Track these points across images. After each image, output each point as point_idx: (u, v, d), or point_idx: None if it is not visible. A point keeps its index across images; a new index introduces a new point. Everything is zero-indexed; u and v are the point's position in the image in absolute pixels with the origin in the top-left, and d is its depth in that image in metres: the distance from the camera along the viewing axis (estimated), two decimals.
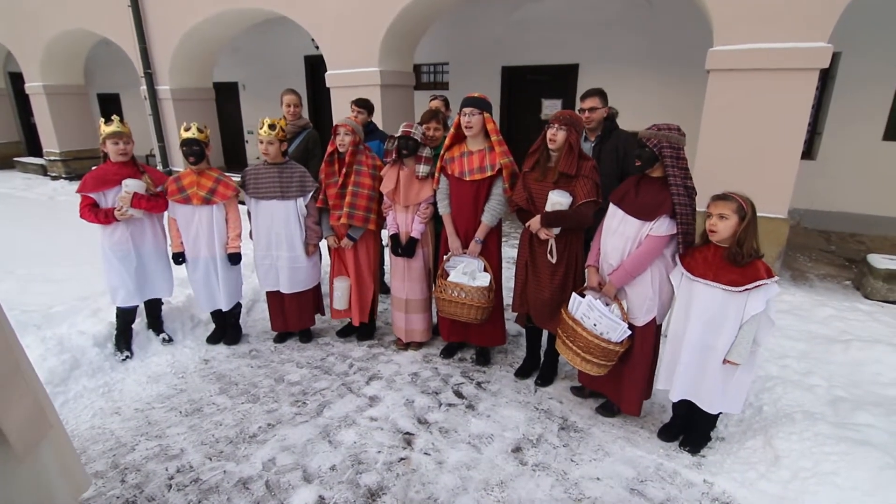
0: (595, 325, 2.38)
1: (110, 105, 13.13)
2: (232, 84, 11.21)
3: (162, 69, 8.25)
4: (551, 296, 2.76)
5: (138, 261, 3.12)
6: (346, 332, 3.61)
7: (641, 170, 2.36)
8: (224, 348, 3.40)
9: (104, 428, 2.53)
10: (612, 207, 2.49)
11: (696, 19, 5.47)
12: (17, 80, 11.58)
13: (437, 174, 3.05)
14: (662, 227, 2.29)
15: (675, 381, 2.31)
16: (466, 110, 2.82)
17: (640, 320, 2.43)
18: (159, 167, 8.73)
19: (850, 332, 3.66)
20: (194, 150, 3.02)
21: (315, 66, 9.76)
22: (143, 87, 8.47)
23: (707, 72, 4.39)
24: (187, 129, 3.02)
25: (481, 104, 2.83)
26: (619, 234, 2.41)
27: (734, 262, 2.09)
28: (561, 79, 7.50)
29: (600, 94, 3.22)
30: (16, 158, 12.41)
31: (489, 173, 2.85)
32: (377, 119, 5.74)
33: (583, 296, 2.51)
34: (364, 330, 3.57)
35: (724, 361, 2.18)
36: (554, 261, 2.69)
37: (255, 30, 9.56)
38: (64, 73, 10.25)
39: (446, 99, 4.01)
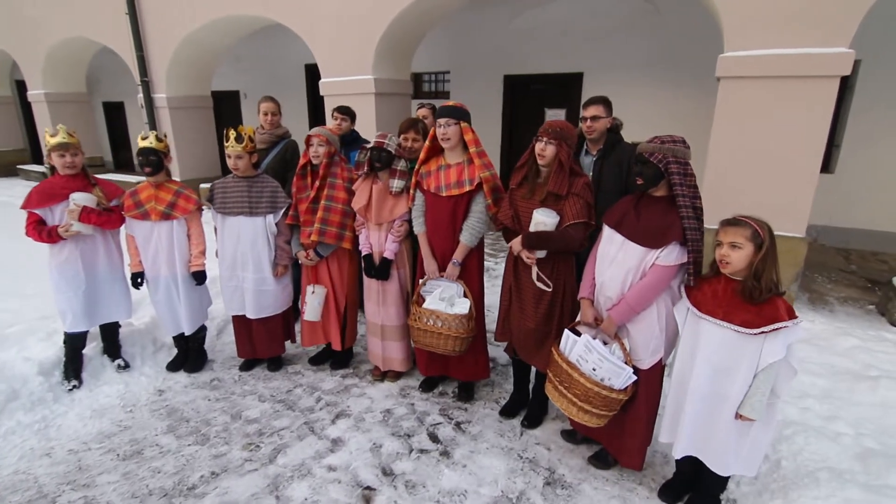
0: (594, 369, 2.05)
1: (115, 113, 13.11)
2: (233, 93, 11.11)
3: (159, 77, 8.13)
4: (536, 326, 2.44)
5: (89, 282, 2.86)
6: (319, 359, 3.32)
7: (643, 188, 2.05)
8: (184, 377, 3.12)
9: (29, 473, 2.25)
10: (607, 231, 2.18)
11: (706, 24, 5.17)
12: (23, 87, 11.59)
13: (412, 190, 2.76)
14: (672, 255, 1.97)
15: (679, 434, 1.97)
16: (441, 121, 2.54)
17: (646, 362, 2.11)
18: None
19: (877, 366, 3.28)
20: (151, 161, 2.77)
21: (316, 75, 9.52)
22: (140, 96, 8.36)
23: (717, 80, 4.07)
24: (144, 138, 2.77)
25: (458, 113, 2.55)
26: (619, 263, 2.09)
27: (749, 298, 1.76)
28: (565, 88, 7.21)
29: (604, 102, 2.92)
30: (19, 166, 12.39)
31: (468, 188, 2.56)
32: (370, 129, 5.49)
33: (577, 333, 2.19)
34: (339, 357, 3.27)
35: (737, 416, 1.84)
36: (550, 288, 2.37)
37: (256, 38, 9.44)
38: (65, 81, 10.20)
39: (434, 107, 3.73)
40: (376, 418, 2.70)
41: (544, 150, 2.27)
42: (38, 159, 12.51)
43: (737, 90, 3.97)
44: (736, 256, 1.77)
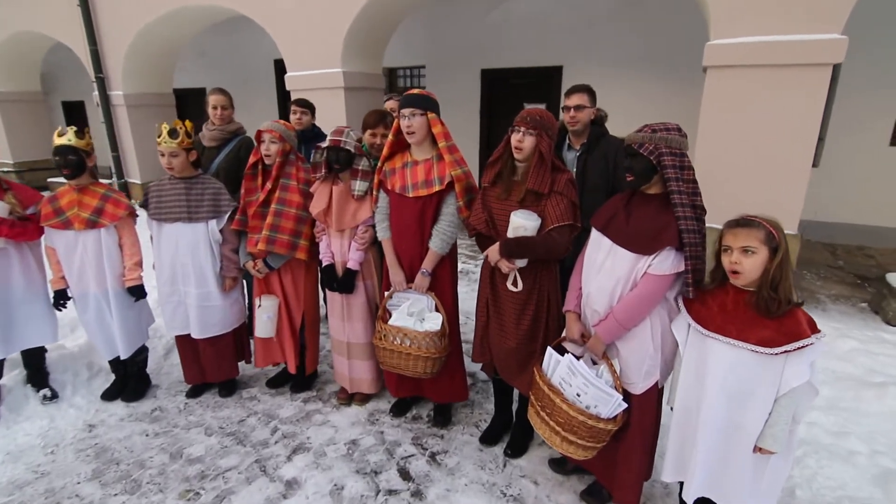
0: (579, 394, 1.76)
1: (76, 113, 12.43)
2: (199, 90, 10.58)
3: (115, 73, 7.62)
4: (518, 346, 2.15)
5: (1, 304, 2.46)
6: (279, 381, 2.96)
7: (634, 185, 1.77)
8: (121, 407, 2.74)
9: None
10: (594, 235, 1.89)
11: (692, 11, 4.95)
12: None
13: (374, 190, 2.44)
14: (666, 262, 1.70)
15: (692, 473, 1.68)
16: (405, 111, 2.23)
17: (639, 386, 1.82)
18: (113, 180, 8.07)
19: (881, 371, 3.08)
20: (69, 161, 2.38)
21: (285, 71, 9.17)
22: (96, 94, 7.83)
23: (704, 70, 3.84)
24: (61, 135, 2.38)
25: (424, 102, 2.23)
26: (607, 271, 1.80)
27: (766, 312, 1.49)
28: (545, 81, 6.96)
29: (588, 90, 2.66)
30: None
31: (436, 188, 2.25)
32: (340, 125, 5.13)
33: (561, 352, 1.90)
34: (300, 378, 2.93)
35: (756, 449, 1.57)
36: (518, 289, 2.08)
37: (222, 32, 8.97)
38: (17, 80, 9.57)
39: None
40: (339, 452, 2.37)
41: (522, 141, 1.97)
42: None
43: (724, 80, 3.74)
44: (749, 264, 1.50)
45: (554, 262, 2.16)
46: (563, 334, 1.99)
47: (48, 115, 10.84)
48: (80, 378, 2.90)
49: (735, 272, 1.52)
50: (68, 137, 2.37)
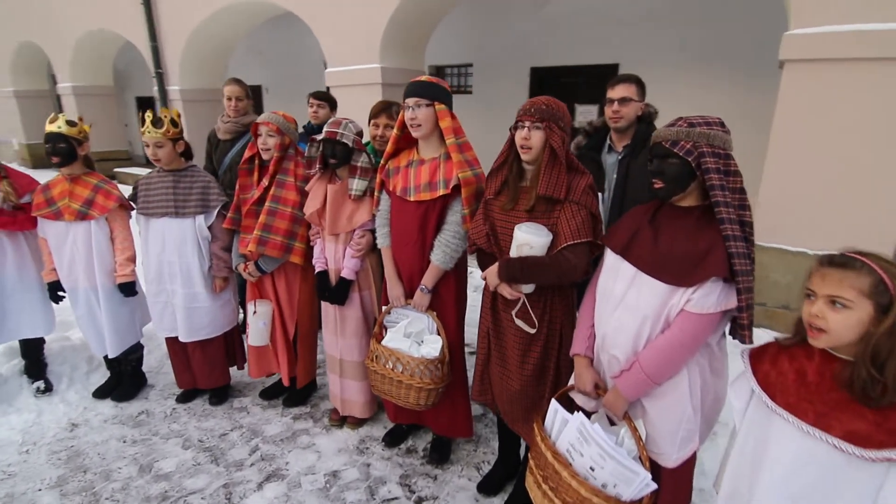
0: (593, 468, 1.37)
1: (146, 107, 13.14)
2: (255, 87, 10.87)
3: (172, 69, 7.90)
4: (522, 388, 1.79)
5: None
6: (273, 393, 2.75)
7: (665, 195, 1.37)
8: (109, 406, 2.63)
9: None
10: (610, 259, 1.50)
11: (768, 3, 4.33)
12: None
13: (376, 191, 2.15)
14: (711, 297, 1.29)
15: None
16: (410, 101, 1.92)
17: (672, 458, 1.41)
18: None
19: None
20: (59, 149, 2.27)
21: None
22: (156, 88, 8.15)
23: (780, 65, 3.27)
24: (52, 121, 2.28)
25: (431, 91, 1.91)
26: (630, 306, 1.41)
27: (863, 396, 1.01)
28: (598, 81, 6.42)
29: (636, 81, 2.25)
30: None
31: (440, 192, 1.93)
32: None
33: (569, 405, 1.53)
34: (295, 391, 2.71)
35: None
36: (532, 329, 1.72)
37: (277, 30, 9.13)
38: (92, 75, 10.20)
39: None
40: (316, 484, 2.10)
41: (529, 138, 1.62)
42: None
43: (805, 76, 3.15)
44: (838, 321, 1.02)
45: (571, 287, 1.79)
46: (572, 381, 1.61)
47: (120, 109, 11.54)
48: (78, 372, 2.83)
49: (815, 328, 1.07)
50: (58, 125, 2.27)
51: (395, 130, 2.05)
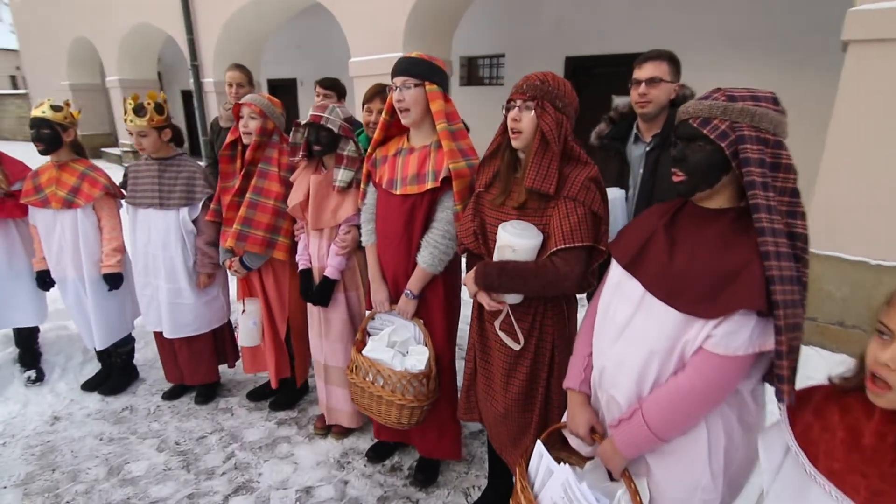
0: None
1: (192, 101, 13.59)
2: (291, 80, 10.96)
3: (207, 61, 8.00)
4: (507, 411, 1.54)
5: None
6: (260, 394, 2.61)
7: (686, 191, 1.08)
8: (96, 400, 2.56)
9: None
10: (615, 272, 1.22)
11: None
12: None
13: (362, 183, 1.95)
14: (739, 335, 0.98)
15: None
16: (397, 80, 1.70)
17: None
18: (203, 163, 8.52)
19: None
20: (42, 135, 2.19)
21: None
22: (191, 81, 8.30)
23: (843, 46, 2.83)
24: (38, 106, 2.20)
25: (420, 69, 1.69)
26: (635, 336, 1.11)
27: None
28: None
29: (668, 58, 1.88)
30: (103, 148, 13.18)
31: (429, 185, 1.69)
32: None
33: (564, 443, 1.27)
34: (285, 394, 2.56)
35: None
36: (517, 346, 1.47)
37: (312, 23, 9.10)
38: (138, 68, 10.53)
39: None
40: (286, 501, 1.93)
41: (519, 119, 1.37)
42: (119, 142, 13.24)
43: (873, 59, 2.70)
44: None
45: (571, 300, 1.52)
46: (565, 418, 1.34)
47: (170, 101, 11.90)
48: (72, 362, 2.80)
49: (880, 382, 0.77)
50: (43, 109, 2.19)
51: (383, 115, 1.84)
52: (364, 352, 1.85)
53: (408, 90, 1.68)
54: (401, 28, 5.04)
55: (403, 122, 1.74)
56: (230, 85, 2.99)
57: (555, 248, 1.32)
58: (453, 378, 1.95)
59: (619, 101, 5.92)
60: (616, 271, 1.21)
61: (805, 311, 0.99)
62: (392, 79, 1.74)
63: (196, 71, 8.15)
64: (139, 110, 2.11)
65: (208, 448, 2.23)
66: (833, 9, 3.10)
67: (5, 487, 1.96)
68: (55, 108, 2.20)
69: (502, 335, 1.49)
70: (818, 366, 2.81)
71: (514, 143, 1.42)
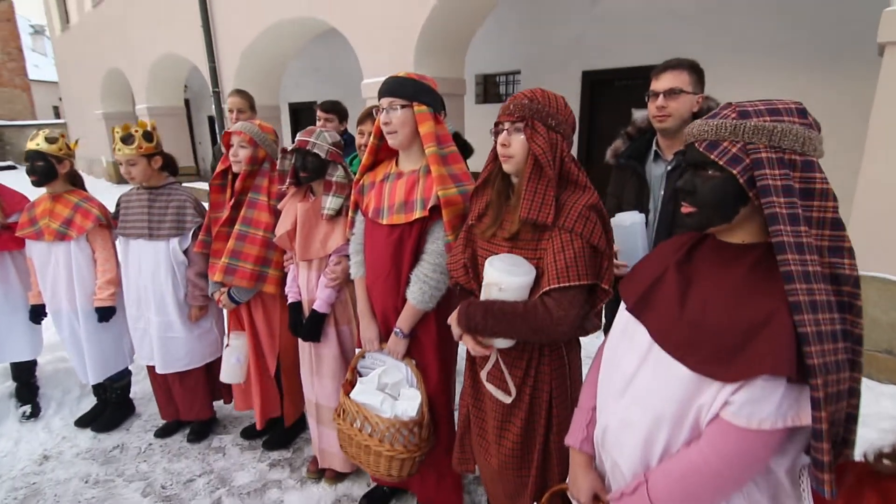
0: None
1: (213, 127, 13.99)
2: (309, 104, 11.13)
3: (228, 87, 8.17)
4: (501, 467, 1.36)
5: None
6: (254, 432, 2.48)
7: (698, 225, 0.90)
8: (88, 438, 2.48)
9: None
10: (623, 317, 1.04)
11: None
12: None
13: (350, 211, 1.82)
14: (764, 404, 0.78)
15: None
16: (384, 101, 1.58)
17: None
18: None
19: None
20: (36, 167, 2.16)
21: None
22: (213, 107, 8.49)
23: (880, 49, 2.60)
24: (32, 139, 2.18)
25: (409, 88, 1.56)
26: (641, 393, 0.93)
27: None
28: None
29: (689, 67, 1.70)
30: None
31: (417, 214, 1.55)
32: None
33: None
34: (278, 433, 2.42)
35: None
36: (508, 399, 1.30)
37: (329, 47, 9.24)
38: (165, 96, 10.90)
39: None
40: None
41: (508, 143, 1.22)
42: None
43: None
44: None
45: (574, 344, 1.34)
46: (567, 481, 1.15)
47: (189, 128, 12.27)
48: (69, 396, 2.74)
49: None
50: (37, 142, 2.16)
51: (371, 138, 1.72)
52: (352, 394, 1.71)
53: (394, 112, 1.56)
54: (411, 48, 5.00)
55: (391, 144, 1.62)
56: (231, 111, 2.95)
57: (547, 288, 1.15)
58: (451, 422, 1.78)
59: (638, 114, 5.63)
60: (623, 316, 1.03)
61: (861, 371, 0.79)
62: (379, 100, 1.62)
63: (217, 97, 8.33)
64: (127, 139, 2.06)
65: (194, 493, 2.10)
66: (869, 5, 2.87)
67: None
68: (49, 140, 2.17)
69: (490, 387, 1.33)
70: (864, 400, 2.51)
71: (505, 168, 1.27)
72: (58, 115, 18.88)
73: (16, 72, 19.16)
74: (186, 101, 12.52)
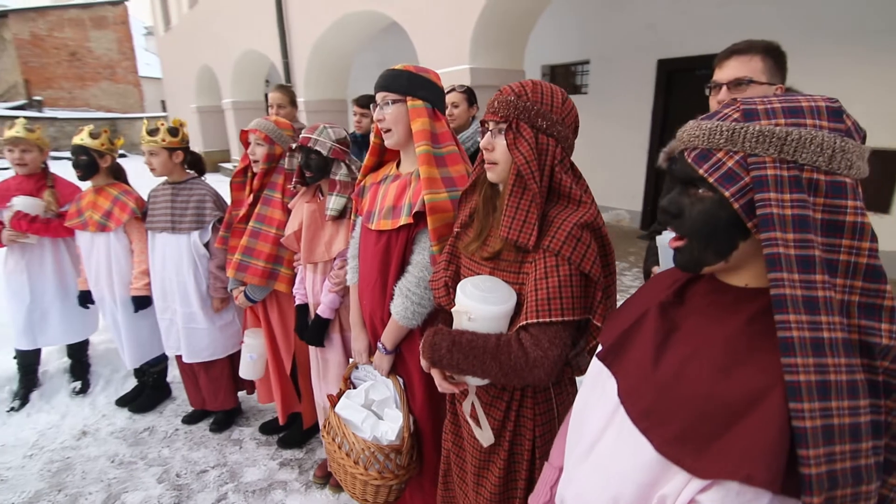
0: None
1: None
2: (372, 98, 11.28)
3: (299, 81, 8.48)
4: None
5: (34, 298, 2.56)
6: (272, 428, 2.50)
7: (686, 263, 0.68)
8: (124, 417, 2.62)
9: None
10: (594, 367, 0.83)
11: None
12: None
13: (352, 213, 1.72)
14: None
15: None
16: (378, 97, 1.46)
17: None
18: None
19: None
20: (80, 161, 2.28)
21: None
22: None
23: None
24: (77, 133, 2.30)
25: (403, 82, 1.42)
26: (601, 462, 0.73)
27: None
28: None
29: (764, 51, 1.38)
30: (220, 164, 14.70)
31: (402, 220, 1.41)
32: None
33: None
34: (294, 431, 2.41)
35: None
36: (485, 441, 1.13)
37: (395, 42, 9.28)
38: (247, 91, 11.56)
39: (469, 91, 2.62)
40: None
41: (492, 147, 1.05)
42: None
43: None
44: None
45: (563, 387, 1.14)
46: None
47: None
48: (117, 375, 2.92)
49: None
50: (81, 137, 2.28)
51: (373, 137, 1.60)
52: (337, 408, 1.61)
53: (387, 107, 1.42)
54: (467, 40, 4.82)
55: (387, 143, 1.49)
56: (271, 106, 2.97)
57: (524, 322, 0.96)
58: (439, 449, 1.62)
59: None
60: (594, 367, 0.83)
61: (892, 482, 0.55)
62: (375, 92, 1.50)
63: None
64: (153, 131, 2.12)
65: (204, 485, 2.13)
66: None
67: (12, 502, 2.03)
68: (93, 136, 2.29)
69: (472, 423, 1.16)
70: None
71: (489, 176, 1.09)
72: (164, 109, 20.84)
73: (129, 69, 21.36)
74: (265, 96, 13.23)
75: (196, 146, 14.62)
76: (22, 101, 17.81)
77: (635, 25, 5.92)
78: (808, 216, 0.55)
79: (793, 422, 0.52)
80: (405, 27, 5.62)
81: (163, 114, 20.49)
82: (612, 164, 6.45)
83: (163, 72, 17.55)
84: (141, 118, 19.04)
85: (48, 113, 16.97)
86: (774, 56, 1.41)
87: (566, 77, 7.22)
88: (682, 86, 5.85)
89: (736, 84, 1.40)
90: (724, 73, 1.44)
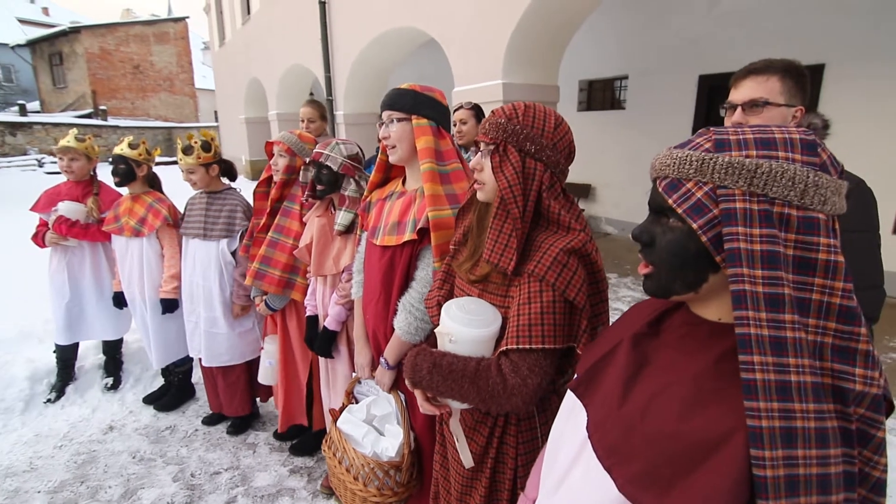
0: None
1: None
2: None
3: (339, 95, 8.75)
4: None
5: (73, 296, 2.73)
6: (287, 434, 2.54)
7: (656, 290, 0.65)
8: (149, 414, 2.73)
9: None
10: (571, 399, 0.80)
11: None
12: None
13: (358, 228, 1.75)
14: None
15: None
16: (384, 115, 1.49)
17: None
18: None
19: None
20: (119, 170, 2.43)
21: None
22: (328, 113, 9.14)
23: None
24: (119, 143, 2.45)
25: (408, 100, 1.44)
26: (571, 496, 0.71)
27: None
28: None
29: (783, 71, 1.33)
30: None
31: (406, 236, 1.42)
32: None
33: None
34: (306, 439, 2.44)
35: None
36: (466, 464, 1.11)
37: (433, 57, 9.43)
38: (292, 103, 11.99)
39: (477, 107, 2.62)
40: None
41: (481, 167, 1.04)
42: None
43: None
44: None
45: (547, 414, 1.11)
46: None
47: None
48: (147, 373, 3.06)
49: None
50: (122, 147, 2.43)
51: (379, 154, 1.63)
52: (338, 422, 1.62)
53: (393, 125, 1.45)
54: (501, 54, 4.84)
55: (391, 160, 1.51)
56: (302, 120, 3.07)
57: (505, 348, 0.94)
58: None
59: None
60: (568, 400, 0.80)
61: None
62: (381, 111, 1.53)
63: (330, 105, 8.96)
64: (187, 150, 2.22)
65: (216, 486, 2.19)
66: None
67: (39, 492, 2.14)
68: (132, 146, 2.44)
69: (459, 445, 1.14)
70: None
71: (479, 196, 1.09)
72: (216, 119, 22.00)
73: (186, 81, 22.70)
74: None
75: (243, 154, 15.34)
76: (89, 111, 19.18)
77: (676, 40, 5.79)
78: (778, 252, 0.52)
79: (753, 470, 0.49)
80: (442, 43, 5.70)
81: (215, 124, 21.57)
82: (648, 182, 6.29)
83: (216, 84, 18.49)
84: (193, 127, 20.12)
85: (112, 122, 18.20)
86: (794, 76, 1.35)
87: (604, 92, 7.12)
88: (723, 101, 5.65)
89: (751, 105, 1.35)
90: (739, 94, 1.40)
